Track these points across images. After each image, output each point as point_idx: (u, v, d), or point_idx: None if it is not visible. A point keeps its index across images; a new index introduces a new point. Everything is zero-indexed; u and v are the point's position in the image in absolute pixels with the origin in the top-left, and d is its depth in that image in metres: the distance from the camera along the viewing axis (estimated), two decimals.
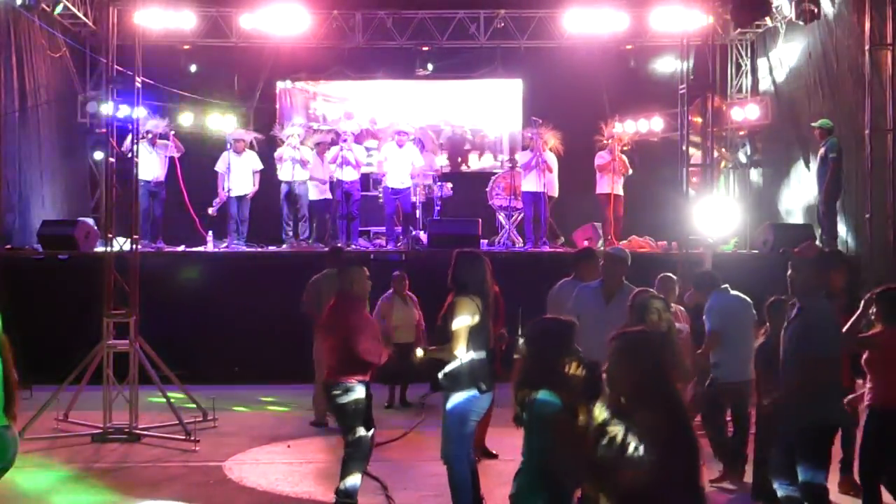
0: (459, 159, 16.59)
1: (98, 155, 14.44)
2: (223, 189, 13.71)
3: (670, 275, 7.83)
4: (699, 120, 12.45)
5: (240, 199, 13.72)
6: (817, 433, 5.57)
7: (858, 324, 5.90)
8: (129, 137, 9.97)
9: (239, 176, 13.71)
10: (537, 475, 3.96)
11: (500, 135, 16.68)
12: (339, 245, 11.48)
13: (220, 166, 13.78)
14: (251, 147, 14.02)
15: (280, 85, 16.32)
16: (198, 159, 14.11)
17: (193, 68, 15.37)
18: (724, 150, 14.45)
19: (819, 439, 5.56)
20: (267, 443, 8.69)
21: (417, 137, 14.44)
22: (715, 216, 10.67)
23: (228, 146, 13.92)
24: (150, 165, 13.29)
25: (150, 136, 13.43)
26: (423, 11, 14.88)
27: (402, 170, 13.71)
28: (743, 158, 15.25)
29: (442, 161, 15.05)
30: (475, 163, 16.68)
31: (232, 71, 15.47)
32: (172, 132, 13.99)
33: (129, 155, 9.79)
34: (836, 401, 5.73)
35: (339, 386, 6.46)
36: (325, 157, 14.12)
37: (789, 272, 5.73)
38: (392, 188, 13.76)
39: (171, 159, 13.77)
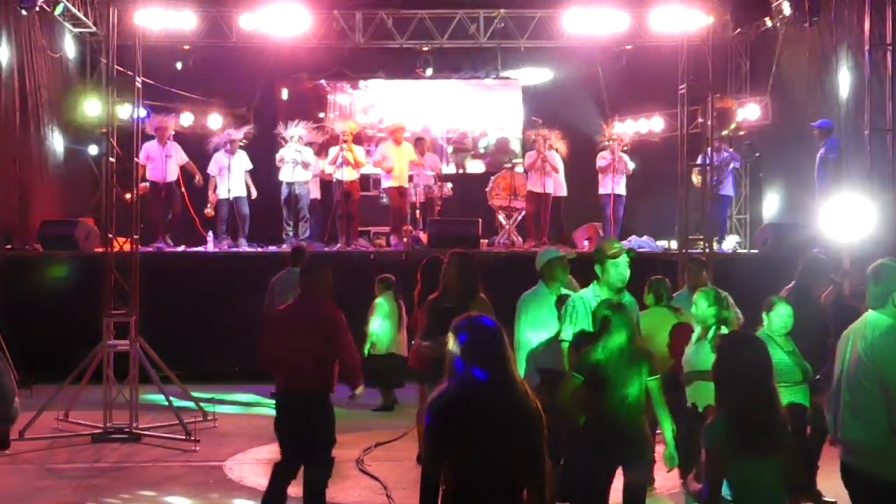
0: (459, 159, 16.63)
1: (93, 151, 14.49)
2: (213, 191, 13.71)
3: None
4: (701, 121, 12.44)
5: (236, 199, 13.72)
6: None
7: None
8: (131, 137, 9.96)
9: (233, 177, 13.69)
10: None
11: (500, 135, 16.69)
12: (300, 245, 11.49)
13: (212, 168, 13.76)
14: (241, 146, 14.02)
15: (347, 93, 16.33)
16: (197, 160, 14.09)
17: (193, 68, 15.35)
18: (732, 150, 14.41)
19: None
20: (267, 443, 8.66)
21: (418, 136, 14.42)
22: (846, 216, 10.13)
23: (221, 147, 13.89)
24: (160, 166, 13.34)
25: (159, 131, 13.45)
26: (423, 11, 14.87)
27: (403, 168, 13.70)
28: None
29: (442, 167, 15.06)
30: (475, 163, 16.69)
31: (232, 71, 15.46)
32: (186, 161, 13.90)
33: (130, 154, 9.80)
34: None
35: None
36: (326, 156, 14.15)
37: None
38: (396, 187, 13.75)
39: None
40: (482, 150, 16.67)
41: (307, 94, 16.49)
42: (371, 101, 16.56)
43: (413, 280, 8.10)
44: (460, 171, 16.64)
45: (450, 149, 16.73)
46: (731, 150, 14.28)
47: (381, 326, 10.01)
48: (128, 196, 9.78)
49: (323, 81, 16.54)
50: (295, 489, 6.11)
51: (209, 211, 13.82)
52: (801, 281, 7.54)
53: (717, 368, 3.98)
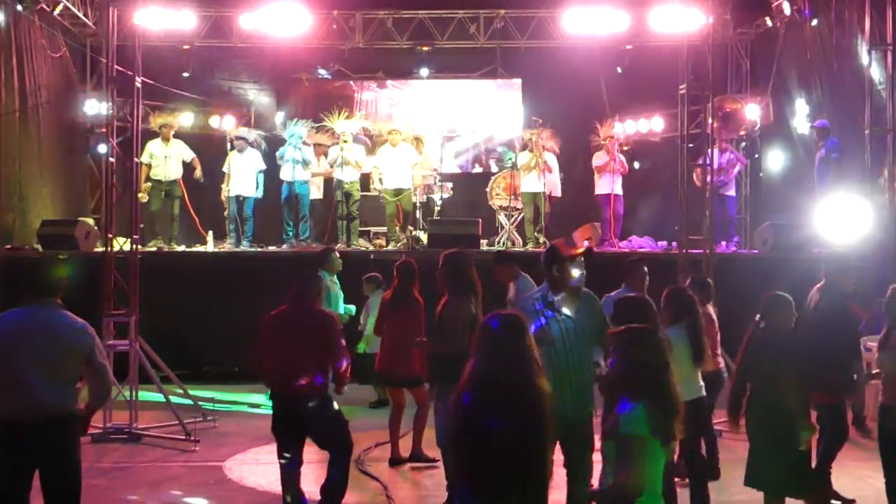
0: (458, 159, 16.61)
1: (100, 151, 14.49)
2: (222, 190, 13.74)
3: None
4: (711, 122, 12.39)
5: (242, 198, 13.72)
6: None
7: None
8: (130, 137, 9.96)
9: (240, 175, 13.71)
10: None
11: (500, 135, 16.67)
12: (330, 247, 11.39)
13: (226, 167, 13.83)
14: (252, 145, 14.03)
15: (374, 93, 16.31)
16: (198, 160, 14.10)
17: (193, 68, 15.34)
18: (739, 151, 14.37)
19: None
20: (267, 443, 8.63)
21: (415, 137, 14.41)
22: (842, 217, 9.97)
23: (231, 146, 13.95)
24: (163, 164, 13.35)
25: (163, 129, 13.45)
26: (423, 11, 14.86)
27: (399, 170, 13.66)
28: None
29: (441, 164, 15.04)
30: (474, 163, 16.67)
31: (232, 71, 15.45)
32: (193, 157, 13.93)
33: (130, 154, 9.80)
34: None
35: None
36: (326, 156, 14.15)
37: None
38: (391, 189, 13.74)
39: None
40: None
41: (333, 94, 16.29)
42: (397, 102, 16.48)
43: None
44: (460, 170, 16.58)
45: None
46: (736, 151, 14.23)
47: (370, 324, 10.07)
48: (140, 196, 9.78)
49: (352, 82, 16.45)
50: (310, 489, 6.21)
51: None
52: (830, 279, 7.38)
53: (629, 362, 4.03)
